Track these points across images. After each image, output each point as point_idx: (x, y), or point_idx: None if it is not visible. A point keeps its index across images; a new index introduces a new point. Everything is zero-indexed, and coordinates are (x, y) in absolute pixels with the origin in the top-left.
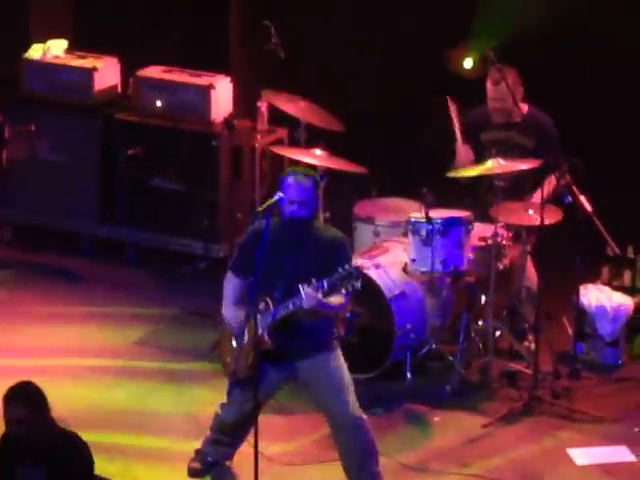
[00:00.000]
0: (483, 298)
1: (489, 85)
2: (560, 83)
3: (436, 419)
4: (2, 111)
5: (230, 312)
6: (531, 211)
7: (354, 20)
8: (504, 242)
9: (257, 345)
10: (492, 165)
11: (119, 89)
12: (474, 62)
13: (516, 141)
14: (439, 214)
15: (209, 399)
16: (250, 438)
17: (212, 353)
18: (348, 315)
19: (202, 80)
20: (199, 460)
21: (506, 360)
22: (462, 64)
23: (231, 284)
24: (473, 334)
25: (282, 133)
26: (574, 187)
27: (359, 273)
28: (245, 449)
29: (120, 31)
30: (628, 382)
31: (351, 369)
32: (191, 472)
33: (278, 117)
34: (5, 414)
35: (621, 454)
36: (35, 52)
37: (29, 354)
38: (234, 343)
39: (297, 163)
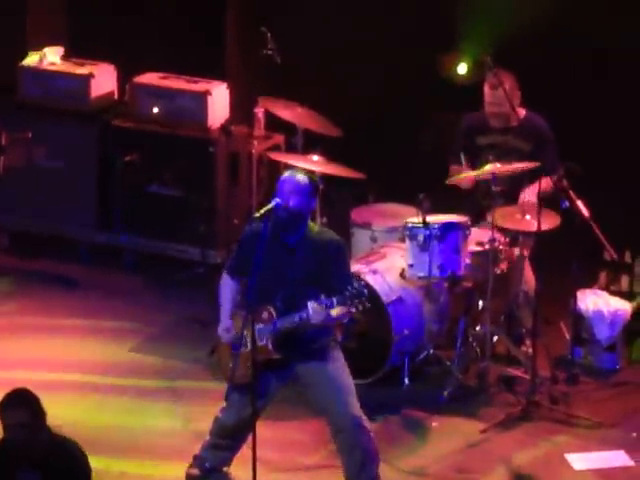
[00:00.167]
0: (480, 303)
1: (487, 90)
2: (554, 85)
3: (434, 424)
4: None
5: (229, 321)
6: (528, 216)
7: (351, 25)
8: (501, 247)
9: (260, 354)
10: (490, 169)
11: (116, 96)
12: (468, 67)
13: (513, 145)
14: (436, 219)
15: (203, 412)
16: (249, 443)
17: (210, 358)
18: (346, 321)
19: (199, 86)
20: (197, 466)
21: (504, 365)
22: (455, 70)
23: (228, 288)
24: (471, 339)
25: (279, 139)
26: (571, 192)
27: (368, 292)
28: (243, 455)
29: (116, 38)
30: (626, 387)
31: None
32: (189, 478)
33: (275, 123)
34: (5, 419)
35: (619, 459)
36: (32, 59)
37: (21, 366)
38: (233, 349)
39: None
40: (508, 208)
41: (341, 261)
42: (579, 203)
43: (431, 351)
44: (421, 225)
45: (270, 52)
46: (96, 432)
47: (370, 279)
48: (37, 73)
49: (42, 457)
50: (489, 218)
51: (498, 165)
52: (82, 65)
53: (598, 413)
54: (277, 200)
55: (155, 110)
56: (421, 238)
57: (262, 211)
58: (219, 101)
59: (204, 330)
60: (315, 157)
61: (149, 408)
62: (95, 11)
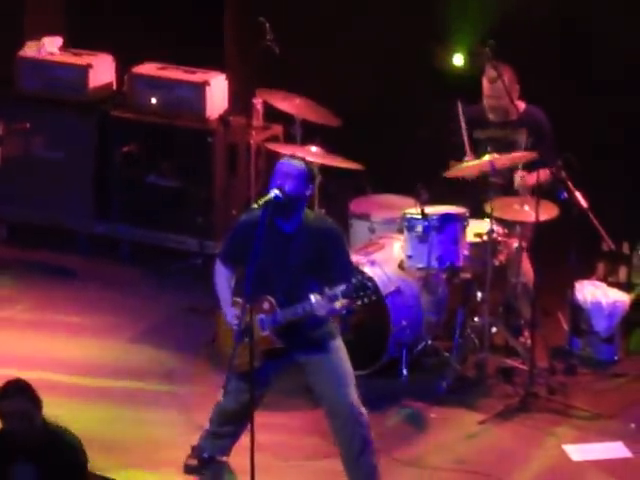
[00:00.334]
0: (479, 294)
1: (485, 83)
2: (550, 76)
3: (432, 415)
4: None
5: (233, 310)
6: (527, 207)
7: (350, 16)
8: (499, 238)
9: (263, 344)
10: (489, 158)
11: (114, 86)
12: (465, 58)
13: (512, 139)
14: (435, 210)
15: (202, 402)
16: (247, 433)
17: (210, 347)
18: (344, 312)
19: (197, 77)
20: (195, 456)
21: (502, 356)
22: (451, 61)
23: (223, 277)
24: (469, 330)
25: (277, 130)
26: (569, 183)
27: (372, 285)
28: (241, 445)
29: (114, 28)
30: (624, 378)
31: None
32: (187, 469)
33: (273, 114)
34: (3, 409)
35: (617, 450)
36: (30, 50)
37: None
38: (234, 339)
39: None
40: (506, 199)
41: (341, 250)
42: (577, 194)
43: (429, 342)
44: (420, 216)
45: (269, 43)
46: (93, 423)
47: (368, 270)
48: (35, 64)
49: (38, 447)
50: (487, 209)
51: (496, 157)
52: (80, 55)
53: (596, 404)
54: (275, 191)
55: (153, 101)
56: (420, 229)
57: (261, 201)
58: (217, 92)
59: (202, 320)
60: (313, 148)
61: (146, 398)
62: (93, 1)
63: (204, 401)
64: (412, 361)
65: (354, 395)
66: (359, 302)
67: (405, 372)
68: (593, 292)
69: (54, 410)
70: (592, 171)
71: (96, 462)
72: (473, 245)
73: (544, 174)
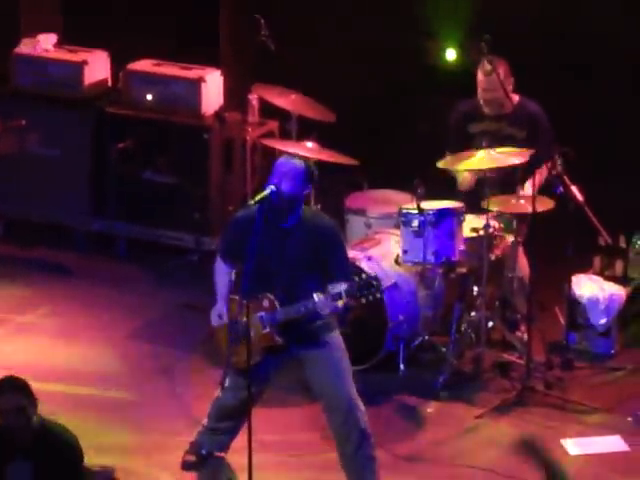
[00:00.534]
0: (475, 289)
1: (480, 76)
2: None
3: (429, 410)
4: None
5: (223, 306)
6: (522, 200)
7: (347, 12)
8: (495, 233)
9: (264, 341)
10: (484, 156)
11: (109, 83)
12: (457, 52)
13: (507, 132)
14: (431, 205)
15: (199, 398)
16: (244, 429)
17: (208, 344)
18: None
19: (192, 73)
20: (193, 452)
21: (499, 351)
22: (444, 56)
23: (221, 272)
24: (465, 325)
25: (273, 126)
26: (565, 177)
27: (378, 284)
28: (239, 441)
29: (110, 24)
30: (621, 372)
31: None
32: (185, 465)
33: (269, 110)
34: (0, 406)
35: (615, 444)
36: (25, 47)
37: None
38: (228, 336)
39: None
40: (503, 197)
41: (338, 247)
42: (573, 188)
43: (426, 337)
44: (416, 211)
45: (264, 38)
46: (89, 420)
47: (365, 265)
48: (30, 60)
49: (34, 444)
50: (484, 204)
51: (491, 152)
52: (75, 52)
53: (593, 398)
54: (272, 187)
55: (149, 97)
56: (416, 224)
57: (257, 198)
58: (213, 88)
59: (199, 317)
60: (309, 144)
61: (144, 394)
62: (89, 4)
63: (202, 397)
64: (409, 356)
65: (352, 389)
66: (363, 301)
67: (402, 367)
68: (590, 286)
69: (50, 408)
70: (590, 166)
71: (93, 459)
72: (469, 240)
73: (540, 177)
